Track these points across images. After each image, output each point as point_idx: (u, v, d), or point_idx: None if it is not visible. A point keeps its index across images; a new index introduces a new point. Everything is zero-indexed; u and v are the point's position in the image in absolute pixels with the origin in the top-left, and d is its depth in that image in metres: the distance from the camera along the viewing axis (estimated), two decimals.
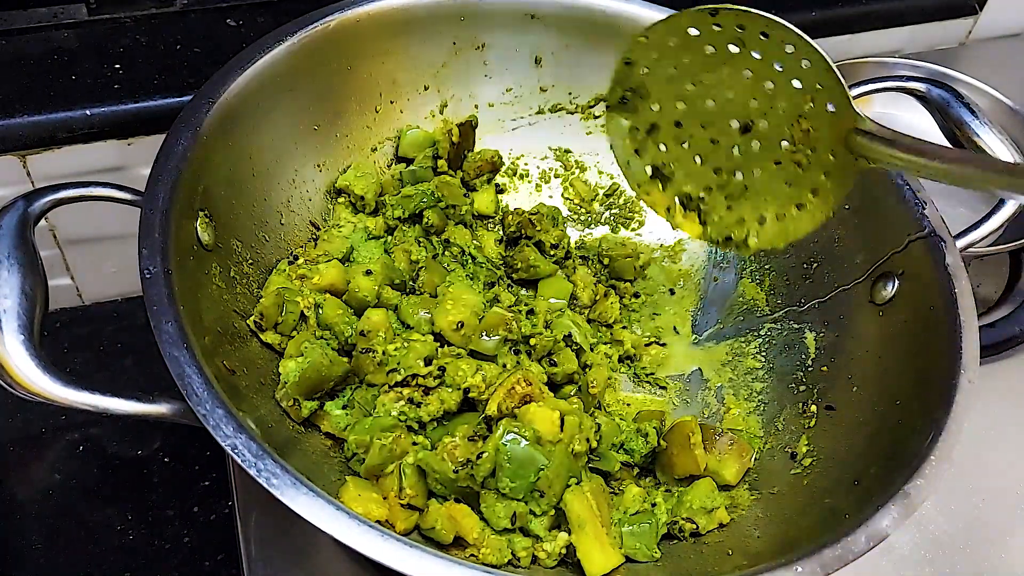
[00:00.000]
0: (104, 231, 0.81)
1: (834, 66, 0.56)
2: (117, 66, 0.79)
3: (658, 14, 0.72)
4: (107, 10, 0.83)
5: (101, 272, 0.86)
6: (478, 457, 0.57)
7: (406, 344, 0.63)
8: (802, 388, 0.68)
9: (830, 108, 0.56)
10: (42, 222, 0.79)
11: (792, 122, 0.58)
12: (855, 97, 0.68)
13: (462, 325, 0.65)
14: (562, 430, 0.59)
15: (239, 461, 0.46)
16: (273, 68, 0.66)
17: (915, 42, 1.08)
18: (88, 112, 0.75)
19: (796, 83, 0.57)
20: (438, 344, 0.65)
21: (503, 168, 0.80)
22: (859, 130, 0.55)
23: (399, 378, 0.61)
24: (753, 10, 0.56)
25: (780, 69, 0.57)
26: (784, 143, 0.59)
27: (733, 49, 0.58)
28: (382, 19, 0.71)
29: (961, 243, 0.63)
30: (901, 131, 0.54)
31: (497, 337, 0.64)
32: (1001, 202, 0.67)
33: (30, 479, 0.76)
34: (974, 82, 0.97)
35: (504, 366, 0.65)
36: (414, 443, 0.60)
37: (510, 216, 0.76)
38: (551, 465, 0.57)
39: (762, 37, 0.57)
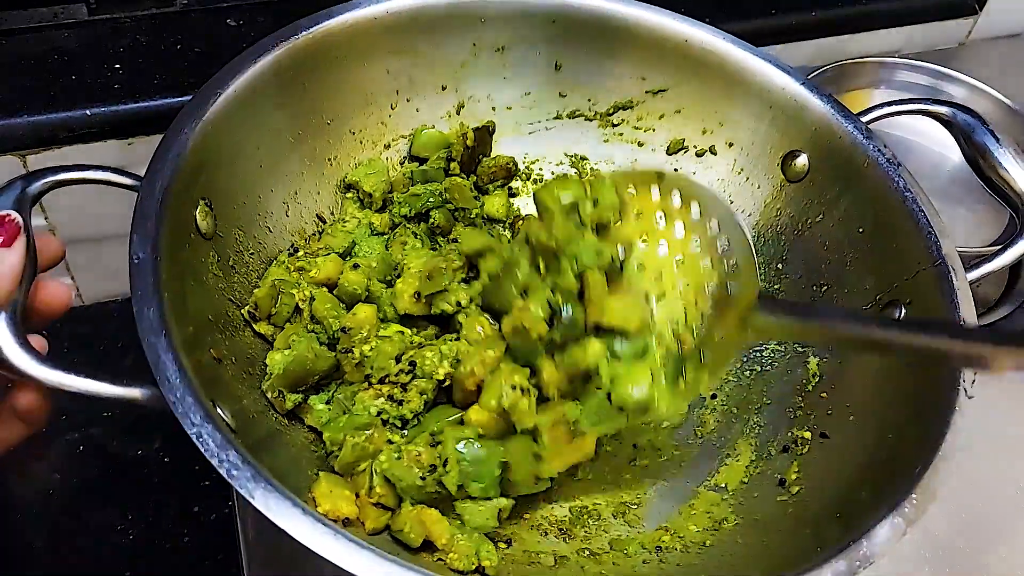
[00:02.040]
0: (104, 231, 0.81)
1: (753, 250, 0.60)
2: (117, 66, 0.79)
3: (677, 23, 0.72)
4: (107, 10, 0.83)
5: (101, 272, 0.86)
6: (444, 464, 0.57)
7: (375, 346, 0.63)
8: (799, 413, 0.67)
9: (732, 290, 0.60)
10: (42, 222, 0.80)
11: (691, 303, 0.61)
12: (878, 119, 0.71)
13: (419, 296, 0.65)
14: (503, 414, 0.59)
15: (202, 450, 0.46)
16: (285, 62, 0.65)
17: (915, 42, 1.08)
18: (88, 112, 0.75)
19: (706, 262, 0.61)
20: (407, 332, 0.64)
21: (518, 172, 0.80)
22: (757, 308, 0.58)
23: (376, 379, 0.62)
24: (697, 183, 0.63)
25: (696, 249, 0.62)
26: (676, 322, 0.61)
27: (659, 220, 0.63)
28: (400, 17, 0.70)
29: (971, 276, 0.62)
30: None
31: (446, 291, 0.64)
32: (1015, 238, 0.66)
33: (30, 479, 0.76)
34: (974, 82, 0.97)
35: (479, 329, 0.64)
36: (389, 441, 0.60)
37: (520, 222, 0.76)
38: (510, 451, 0.58)
39: (692, 209, 0.62)
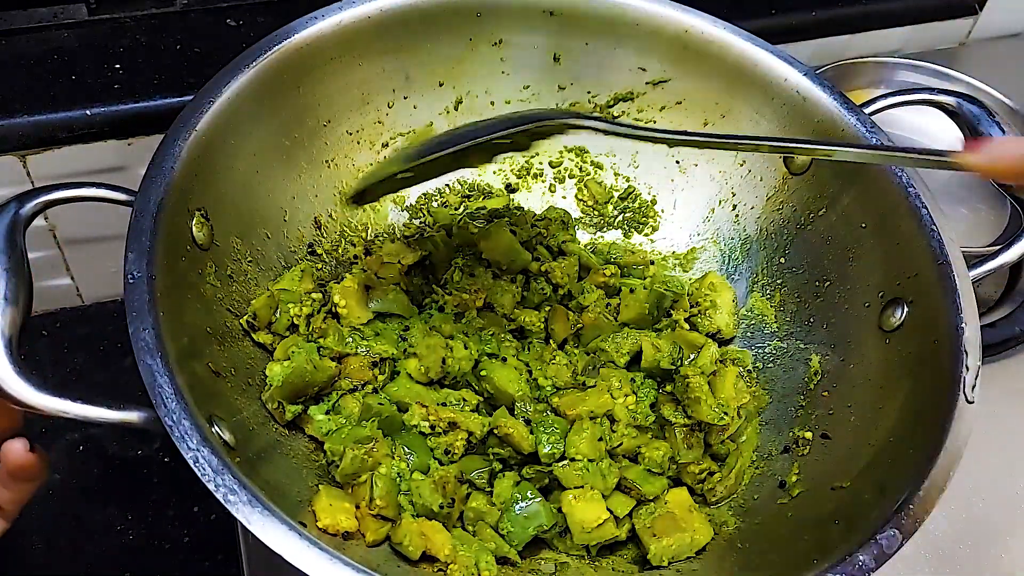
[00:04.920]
0: (104, 231, 0.81)
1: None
2: (117, 66, 0.79)
3: (677, 12, 0.72)
4: (107, 10, 0.83)
5: (101, 272, 0.86)
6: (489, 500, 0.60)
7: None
8: (800, 412, 0.66)
9: None
10: (42, 222, 0.80)
11: None
12: (883, 109, 0.71)
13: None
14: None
15: (199, 474, 0.46)
16: (278, 66, 0.65)
17: (915, 42, 1.08)
18: (88, 112, 0.75)
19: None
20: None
21: (517, 167, 0.79)
22: None
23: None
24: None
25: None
26: None
27: None
28: (393, 15, 0.69)
29: (971, 275, 0.61)
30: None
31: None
32: (1015, 238, 0.66)
33: None
34: (974, 82, 0.97)
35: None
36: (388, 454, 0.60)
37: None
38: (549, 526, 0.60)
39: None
